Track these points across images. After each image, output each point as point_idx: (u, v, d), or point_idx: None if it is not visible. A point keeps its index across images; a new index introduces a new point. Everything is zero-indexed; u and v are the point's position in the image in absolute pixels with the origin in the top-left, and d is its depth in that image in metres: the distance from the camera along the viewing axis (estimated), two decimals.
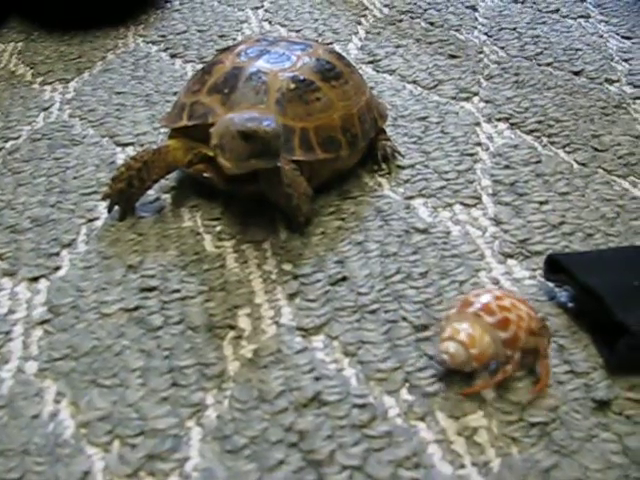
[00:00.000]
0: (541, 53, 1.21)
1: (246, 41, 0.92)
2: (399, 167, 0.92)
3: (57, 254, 0.82)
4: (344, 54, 1.14)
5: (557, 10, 1.39)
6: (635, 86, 1.11)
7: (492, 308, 0.64)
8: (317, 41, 0.92)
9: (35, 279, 0.79)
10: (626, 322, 0.62)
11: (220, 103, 0.82)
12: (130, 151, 0.99)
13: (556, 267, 0.71)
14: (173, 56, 1.25)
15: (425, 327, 0.69)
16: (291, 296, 0.73)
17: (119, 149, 1.00)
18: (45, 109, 1.11)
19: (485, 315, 0.63)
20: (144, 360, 0.67)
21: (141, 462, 0.59)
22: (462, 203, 0.86)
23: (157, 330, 0.70)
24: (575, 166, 0.92)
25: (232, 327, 0.70)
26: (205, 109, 0.83)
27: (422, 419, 0.61)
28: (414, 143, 0.97)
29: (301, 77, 0.85)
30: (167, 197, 0.89)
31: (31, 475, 0.58)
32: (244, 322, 0.71)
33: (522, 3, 1.42)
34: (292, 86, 0.83)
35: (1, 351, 0.70)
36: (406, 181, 0.90)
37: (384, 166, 0.94)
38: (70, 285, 0.76)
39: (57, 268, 0.80)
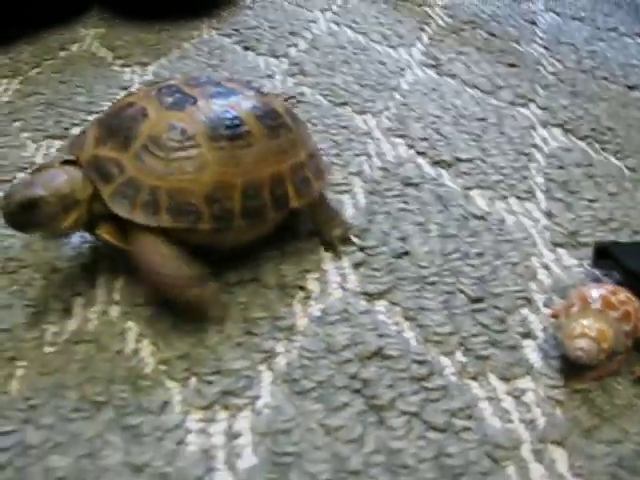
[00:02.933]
0: (597, 67, 1.27)
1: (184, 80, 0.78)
2: (459, 160, 0.98)
3: None
4: (381, 67, 1.21)
5: (615, 28, 1.45)
6: None
7: (613, 303, 0.69)
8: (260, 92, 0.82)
9: None
10: None
11: (94, 140, 0.73)
12: None
13: (604, 255, 0.77)
14: (246, 49, 1.32)
15: (480, 299, 0.75)
16: (356, 265, 0.80)
17: None
18: (125, 88, 1.18)
19: (608, 310, 0.69)
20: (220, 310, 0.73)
21: (216, 397, 0.65)
22: (517, 196, 0.92)
23: (232, 286, 0.76)
24: (625, 171, 0.98)
25: (302, 288, 0.76)
26: (80, 142, 0.74)
27: (475, 378, 0.67)
28: (473, 140, 1.03)
29: (180, 128, 0.71)
30: None
31: (116, 400, 0.65)
32: (313, 285, 0.77)
33: (580, 20, 1.48)
34: (165, 136, 0.70)
35: (86, 295, 0.76)
36: (465, 173, 0.96)
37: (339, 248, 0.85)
38: None
39: None
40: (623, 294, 0.68)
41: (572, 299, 0.69)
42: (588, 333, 0.66)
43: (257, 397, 0.65)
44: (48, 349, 0.69)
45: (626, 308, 0.68)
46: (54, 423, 0.62)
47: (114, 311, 0.74)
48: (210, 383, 0.66)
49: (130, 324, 0.72)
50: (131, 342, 0.70)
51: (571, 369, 0.68)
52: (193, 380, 0.66)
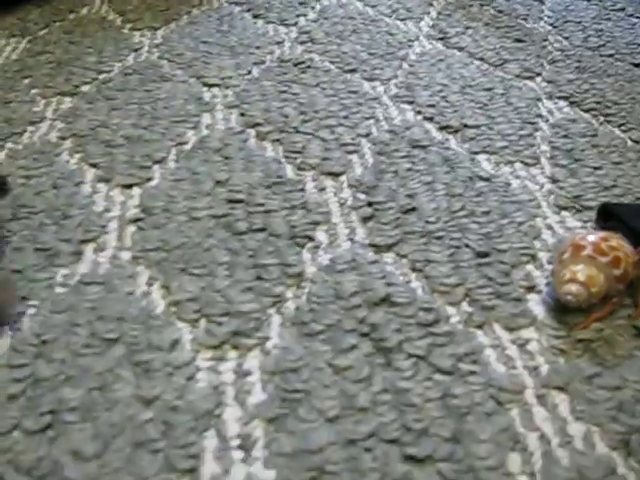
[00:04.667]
0: (603, 45, 1.28)
1: None
2: (465, 126, 0.99)
3: (149, 167, 0.89)
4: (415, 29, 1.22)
5: (623, 9, 1.46)
6: None
7: (603, 249, 0.71)
8: None
9: (129, 186, 0.86)
10: None
11: None
12: (216, 91, 1.06)
13: (608, 215, 0.78)
14: (256, 16, 1.33)
15: (486, 254, 0.76)
16: (365, 219, 0.81)
17: (206, 89, 1.08)
18: (135, 50, 1.19)
19: (598, 256, 0.71)
20: (230, 257, 0.75)
21: (226, 336, 0.66)
22: (522, 162, 0.93)
23: (243, 234, 0.78)
24: (629, 143, 0.99)
25: (311, 238, 0.78)
26: None
27: (480, 327, 0.68)
28: (480, 109, 1.05)
29: None
30: (251, 131, 0.97)
31: (127, 337, 0.66)
32: (322, 236, 0.78)
33: (588, 0, 1.49)
34: None
35: (98, 241, 0.77)
36: (471, 139, 0.97)
37: None
38: (161, 192, 0.84)
39: (149, 179, 0.87)
40: (615, 240, 0.71)
41: (565, 246, 0.70)
42: (577, 278, 0.69)
43: (266, 338, 0.66)
44: (59, 290, 0.70)
45: (616, 254, 0.70)
46: (65, 358, 0.63)
47: (125, 255, 0.75)
48: (220, 324, 0.67)
49: (140, 268, 0.73)
50: (142, 285, 0.71)
51: (574, 320, 0.68)
52: (203, 321, 0.67)
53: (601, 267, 0.67)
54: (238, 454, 0.56)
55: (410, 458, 0.56)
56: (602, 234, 0.69)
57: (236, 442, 0.57)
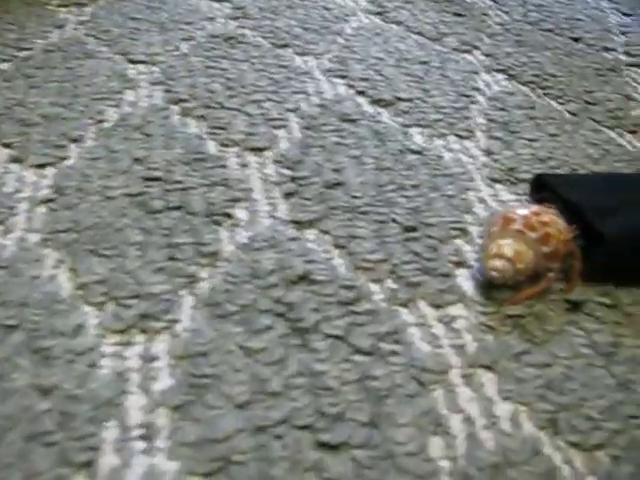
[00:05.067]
0: (543, 20, 1.25)
1: None
2: (399, 99, 0.95)
3: (65, 147, 0.84)
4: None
5: None
6: (630, 55, 1.15)
7: (533, 224, 0.67)
8: None
9: (42, 166, 0.81)
10: (602, 230, 0.66)
11: None
12: (142, 68, 1.01)
13: (542, 186, 0.75)
14: None
15: (413, 228, 0.72)
16: (287, 195, 0.77)
17: (131, 65, 1.02)
18: (60, 27, 1.14)
19: (528, 231, 0.67)
20: (143, 236, 0.70)
21: (134, 320, 0.62)
22: (456, 135, 0.89)
23: (157, 213, 0.73)
24: (566, 115, 0.96)
25: (230, 216, 0.73)
26: None
27: (404, 305, 0.64)
28: (415, 82, 1.01)
29: None
30: (175, 108, 0.92)
31: (28, 324, 0.61)
32: (241, 213, 0.74)
33: None
34: None
35: (5, 224, 0.72)
36: (404, 112, 0.93)
37: None
38: (76, 172, 0.79)
39: (64, 158, 0.82)
40: (547, 216, 0.66)
41: (495, 219, 0.66)
42: (504, 253, 0.65)
43: (176, 320, 0.61)
44: None
45: (547, 230, 0.66)
46: None
47: (33, 238, 0.70)
48: (128, 307, 0.63)
49: (48, 251, 0.69)
50: (48, 268, 0.67)
51: (504, 296, 0.65)
52: (111, 304, 0.63)
53: (530, 243, 0.63)
54: (140, 445, 0.52)
55: (323, 445, 0.52)
56: (535, 208, 0.66)
57: (138, 432, 0.53)
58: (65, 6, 1.21)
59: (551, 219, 0.66)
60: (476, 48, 1.11)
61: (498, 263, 0.63)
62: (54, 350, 0.58)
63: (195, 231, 0.70)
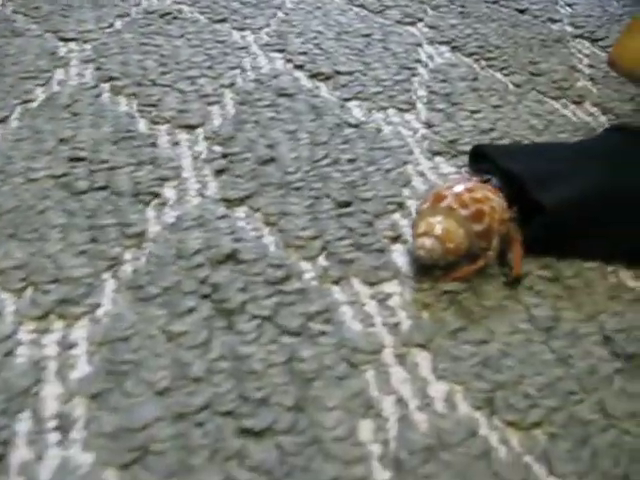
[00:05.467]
0: None
1: None
2: (338, 73, 0.92)
3: None
4: None
5: None
6: (576, 27, 1.12)
7: (465, 200, 0.63)
8: None
9: None
10: (542, 201, 0.64)
11: None
12: (73, 46, 0.97)
13: (481, 157, 0.72)
14: None
15: (348, 204, 0.69)
16: (218, 172, 0.74)
17: (62, 43, 0.99)
18: None
19: (459, 208, 0.63)
20: (66, 218, 0.67)
21: (52, 306, 0.59)
22: (396, 107, 0.87)
23: (82, 194, 0.70)
24: (510, 86, 0.93)
25: (157, 195, 0.70)
26: None
27: (336, 283, 0.62)
28: (355, 55, 0.98)
29: None
30: (106, 86, 0.88)
31: None
32: (170, 192, 0.71)
33: None
34: None
35: None
36: (344, 85, 0.90)
37: None
38: None
39: None
40: (481, 192, 0.63)
41: (428, 196, 0.63)
42: (432, 231, 0.62)
43: (97, 305, 0.58)
44: None
45: (480, 207, 0.62)
46: None
47: None
48: (47, 292, 0.59)
49: None
50: None
51: (440, 272, 0.62)
52: (29, 290, 0.60)
53: (461, 221, 0.60)
54: (54, 437, 0.49)
55: (246, 431, 0.49)
56: (470, 185, 0.62)
57: (53, 423, 0.50)
58: None
59: (485, 196, 0.62)
60: (420, 20, 1.09)
61: (427, 241, 0.60)
62: None
63: (120, 212, 0.67)
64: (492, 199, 0.62)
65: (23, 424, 0.50)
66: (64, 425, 0.50)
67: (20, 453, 0.48)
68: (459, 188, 0.63)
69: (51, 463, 0.48)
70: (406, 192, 0.72)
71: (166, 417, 0.50)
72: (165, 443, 0.48)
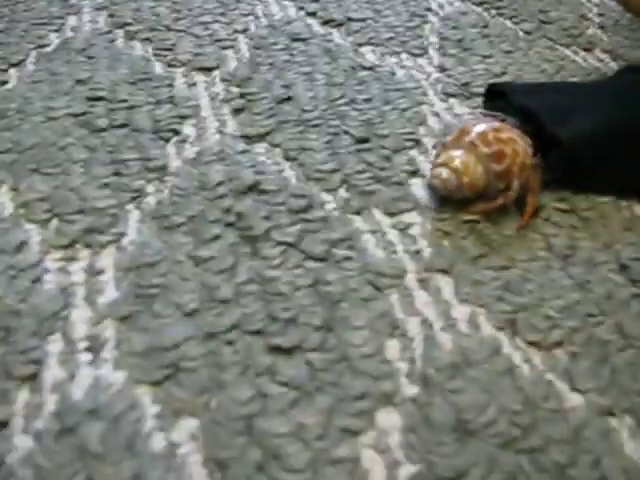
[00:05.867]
0: None
1: None
2: (350, 20, 0.93)
3: (5, 71, 0.81)
4: None
5: None
6: None
7: (489, 139, 0.63)
8: None
9: None
10: (558, 135, 0.64)
11: None
12: None
13: (496, 95, 0.73)
14: None
15: (366, 140, 0.70)
16: (237, 111, 0.74)
17: None
18: None
19: (481, 145, 0.63)
20: (88, 154, 0.68)
21: (78, 235, 0.60)
22: (409, 52, 0.87)
23: (102, 131, 0.71)
24: (521, 34, 0.94)
25: (177, 132, 0.71)
26: None
27: (358, 213, 0.63)
28: (366, 3, 0.98)
29: None
30: (120, 31, 0.89)
31: None
32: (189, 130, 0.71)
33: None
34: None
35: None
36: (356, 31, 0.91)
37: None
38: (17, 95, 0.76)
39: (4, 82, 0.79)
40: (507, 133, 0.63)
41: (453, 131, 0.64)
42: (450, 163, 0.62)
43: (122, 234, 0.59)
44: None
45: (502, 147, 0.62)
46: None
47: None
48: (72, 222, 0.60)
49: None
50: None
51: (460, 203, 0.63)
52: (54, 221, 0.61)
53: (481, 157, 0.61)
54: (85, 357, 0.50)
55: (276, 349, 0.50)
56: (497, 125, 0.62)
57: (84, 345, 0.51)
58: None
59: (510, 138, 0.63)
60: None
61: (443, 172, 0.61)
62: None
63: (141, 147, 0.68)
64: (517, 142, 0.63)
65: (54, 345, 0.51)
66: (95, 346, 0.51)
67: (52, 372, 0.49)
68: (485, 126, 0.63)
69: (83, 382, 0.48)
70: (422, 130, 0.72)
71: (196, 336, 0.51)
72: (196, 361, 0.49)
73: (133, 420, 0.45)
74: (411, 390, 0.48)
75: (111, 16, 0.92)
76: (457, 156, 0.61)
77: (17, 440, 0.44)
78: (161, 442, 0.44)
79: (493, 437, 0.46)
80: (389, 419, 0.47)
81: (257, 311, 0.53)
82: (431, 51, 0.87)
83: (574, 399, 0.49)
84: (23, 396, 0.47)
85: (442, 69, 0.83)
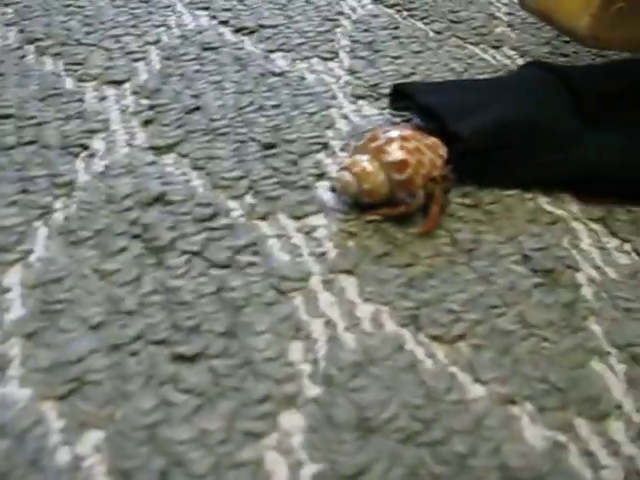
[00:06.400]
0: None
1: None
2: (262, 27, 0.94)
3: None
4: None
5: None
6: None
7: (394, 147, 0.64)
8: None
9: None
10: (459, 131, 0.66)
11: None
12: None
13: (401, 95, 0.74)
14: None
15: (272, 145, 0.71)
16: (146, 123, 0.75)
17: None
18: None
19: (386, 153, 0.63)
20: None
21: None
22: (319, 57, 0.88)
23: (10, 149, 0.71)
24: (431, 34, 0.96)
25: (86, 147, 0.71)
26: None
27: (263, 218, 0.63)
28: (279, 9, 0.99)
29: None
30: (30, 47, 0.89)
31: None
32: (98, 144, 0.72)
33: None
34: None
35: None
36: (267, 38, 0.92)
37: None
38: None
39: None
40: (414, 143, 0.63)
41: (364, 136, 0.65)
42: (353, 167, 0.63)
43: (30, 251, 0.59)
44: None
45: (406, 157, 0.63)
46: None
47: None
48: None
49: None
50: None
51: (365, 207, 0.64)
52: None
53: (384, 165, 0.61)
54: None
55: (179, 357, 0.51)
56: (407, 133, 0.63)
57: None
58: None
59: (417, 147, 0.63)
60: None
61: (346, 175, 0.61)
62: None
63: (50, 163, 0.68)
64: (424, 153, 0.63)
65: None
66: (1, 364, 0.51)
67: None
68: (394, 133, 0.64)
69: None
70: (330, 133, 0.74)
71: (101, 349, 0.51)
72: (101, 373, 0.50)
73: (38, 436, 0.46)
74: (314, 391, 0.49)
75: (21, 32, 0.92)
76: (361, 161, 0.62)
77: None
78: (66, 456, 0.45)
79: (394, 432, 0.47)
80: (292, 420, 0.48)
81: (161, 321, 0.53)
82: (342, 54, 0.88)
83: (476, 390, 0.50)
84: None
85: (352, 72, 0.84)
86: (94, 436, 0.46)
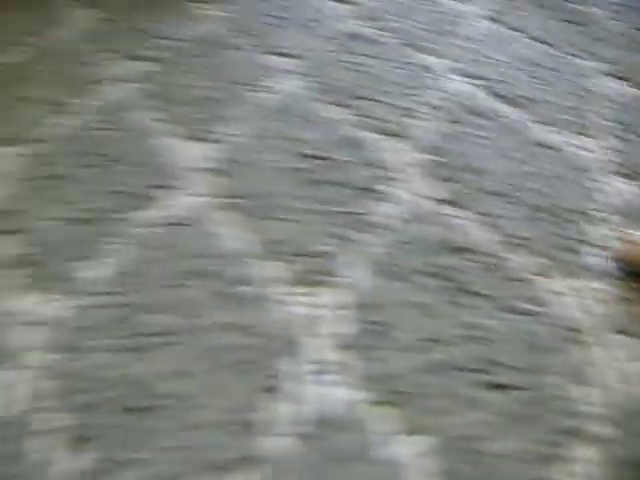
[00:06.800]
0: None
1: None
2: (530, 100, 1.02)
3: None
4: None
5: None
6: None
7: None
8: None
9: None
10: None
11: None
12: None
13: None
14: None
15: (544, 210, 0.79)
16: (440, 178, 0.84)
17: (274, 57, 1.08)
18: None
19: None
20: None
21: None
22: (583, 134, 0.96)
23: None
24: None
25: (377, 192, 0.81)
26: None
27: (540, 274, 0.72)
28: (540, 84, 1.06)
29: None
30: (322, 97, 0.99)
31: None
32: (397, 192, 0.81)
33: None
34: None
35: None
36: (527, 109, 1.00)
37: None
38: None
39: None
40: None
41: None
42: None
43: (346, 276, 0.70)
44: None
45: None
46: None
47: None
48: None
49: None
50: None
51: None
52: None
53: None
54: None
55: (485, 384, 0.60)
56: None
57: None
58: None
59: None
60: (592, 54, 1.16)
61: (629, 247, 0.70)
62: None
63: (349, 202, 0.78)
64: None
65: None
66: (333, 370, 0.61)
67: None
68: None
69: None
70: (596, 205, 0.81)
71: (417, 368, 0.61)
72: (426, 387, 0.60)
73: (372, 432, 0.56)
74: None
75: (305, 81, 1.03)
76: None
77: None
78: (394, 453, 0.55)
79: None
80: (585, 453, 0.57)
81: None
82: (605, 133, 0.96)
83: None
84: None
85: (611, 149, 0.92)
86: (424, 441, 0.56)
